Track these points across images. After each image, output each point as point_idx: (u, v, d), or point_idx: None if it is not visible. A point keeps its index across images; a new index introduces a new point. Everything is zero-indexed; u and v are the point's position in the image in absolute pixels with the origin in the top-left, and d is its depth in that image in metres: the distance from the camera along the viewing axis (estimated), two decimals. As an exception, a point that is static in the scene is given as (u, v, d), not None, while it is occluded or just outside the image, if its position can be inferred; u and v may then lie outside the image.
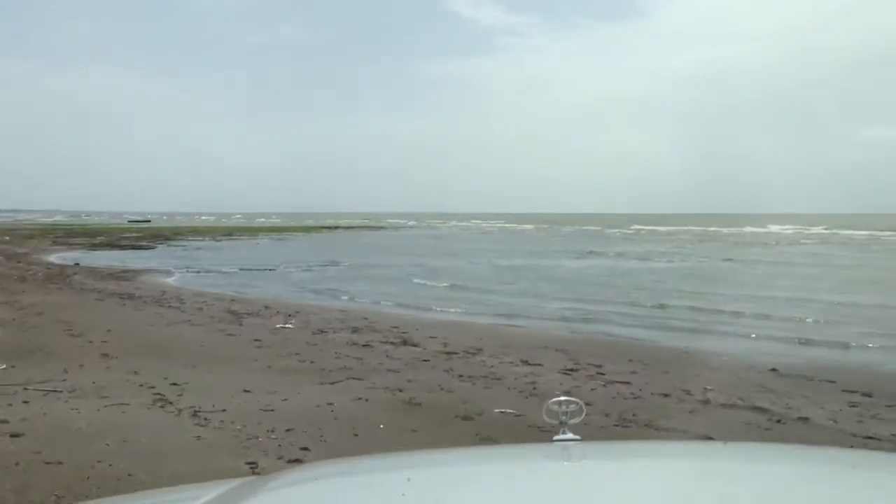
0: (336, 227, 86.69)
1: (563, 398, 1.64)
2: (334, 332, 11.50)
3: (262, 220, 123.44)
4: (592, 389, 7.73)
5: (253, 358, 9.13)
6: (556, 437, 1.58)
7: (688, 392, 7.67)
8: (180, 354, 9.29)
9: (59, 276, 21.68)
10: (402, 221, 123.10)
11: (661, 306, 16.32)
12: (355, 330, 11.81)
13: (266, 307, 14.90)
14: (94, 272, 24.13)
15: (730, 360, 9.97)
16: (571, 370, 8.77)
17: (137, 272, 24.70)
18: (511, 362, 9.18)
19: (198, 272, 26.32)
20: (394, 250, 41.44)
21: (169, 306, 14.63)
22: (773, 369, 9.08)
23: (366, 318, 13.31)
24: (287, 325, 12.01)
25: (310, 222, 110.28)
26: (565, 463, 1.52)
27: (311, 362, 8.91)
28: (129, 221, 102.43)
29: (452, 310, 15.50)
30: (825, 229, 73.04)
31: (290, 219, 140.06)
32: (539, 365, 9.02)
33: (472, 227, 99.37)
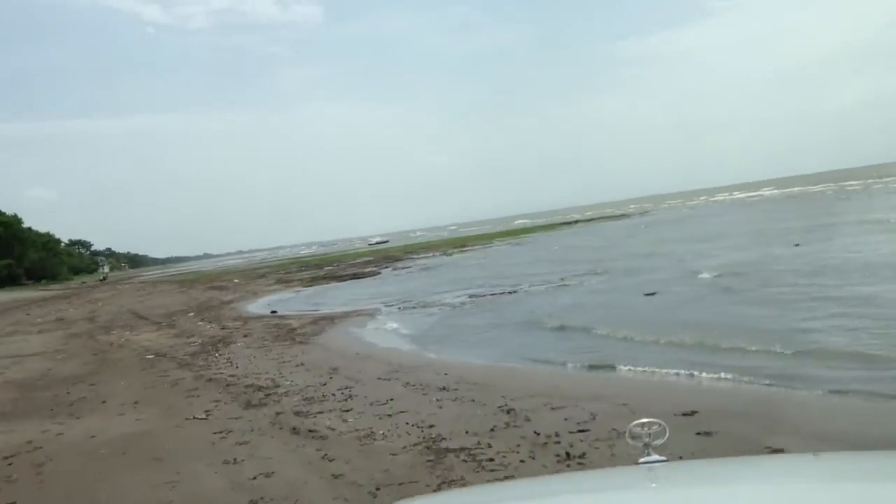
0: (575, 222, 77.77)
1: (645, 420, 1.59)
2: None
3: (481, 228, 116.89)
4: None
5: None
6: (641, 460, 1.54)
7: None
8: None
9: (219, 343, 15.39)
10: (638, 207, 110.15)
11: None
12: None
13: (508, 401, 6.80)
14: (277, 326, 17.85)
15: None
16: None
17: (333, 319, 18.01)
18: None
19: (413, 308, 19.14)
20: (655, 243, 32.00)
21: (309, 430, 7.00)
22: None
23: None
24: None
25: (526, 222, 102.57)
26: (653, 485, 1.47)
27: None
28: (369, 245, 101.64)
29: None
30: None
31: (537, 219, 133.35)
32: None
33: (723, 200, 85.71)
